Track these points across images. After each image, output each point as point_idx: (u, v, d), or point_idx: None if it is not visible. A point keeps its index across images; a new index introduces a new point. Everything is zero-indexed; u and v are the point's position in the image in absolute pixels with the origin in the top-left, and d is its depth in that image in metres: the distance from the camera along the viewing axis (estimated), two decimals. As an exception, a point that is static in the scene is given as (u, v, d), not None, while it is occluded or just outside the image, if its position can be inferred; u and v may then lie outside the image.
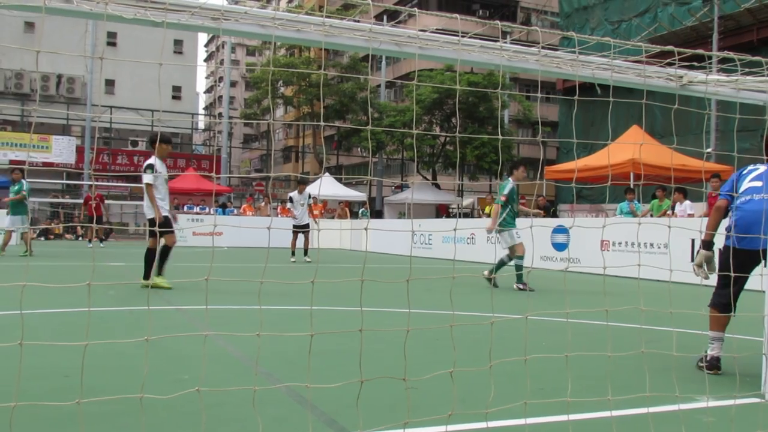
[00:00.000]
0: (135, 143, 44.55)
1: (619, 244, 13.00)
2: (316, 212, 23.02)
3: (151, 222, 8.56)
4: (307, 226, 15.61)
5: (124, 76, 44.68)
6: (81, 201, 26.29)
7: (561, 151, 34.40)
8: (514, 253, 9.84)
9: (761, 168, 4.54)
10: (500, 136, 3.78)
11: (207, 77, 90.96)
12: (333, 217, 28.34)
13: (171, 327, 5.56)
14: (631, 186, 15.96)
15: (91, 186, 26.87)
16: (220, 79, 76.41)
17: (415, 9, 3.30)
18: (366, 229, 2.99)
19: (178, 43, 48.50)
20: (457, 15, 3.37)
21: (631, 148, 16.21)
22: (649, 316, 6.81)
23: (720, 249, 4.46)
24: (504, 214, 9.77)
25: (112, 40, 44.14)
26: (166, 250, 8.72)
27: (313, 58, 44.73)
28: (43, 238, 26.25)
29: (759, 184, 4.44)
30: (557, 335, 5.78)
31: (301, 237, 15.62)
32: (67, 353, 4.26)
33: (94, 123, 35.79)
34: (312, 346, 2.85)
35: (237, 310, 6.73)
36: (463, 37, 3.31)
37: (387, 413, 3.28)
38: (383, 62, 39.00)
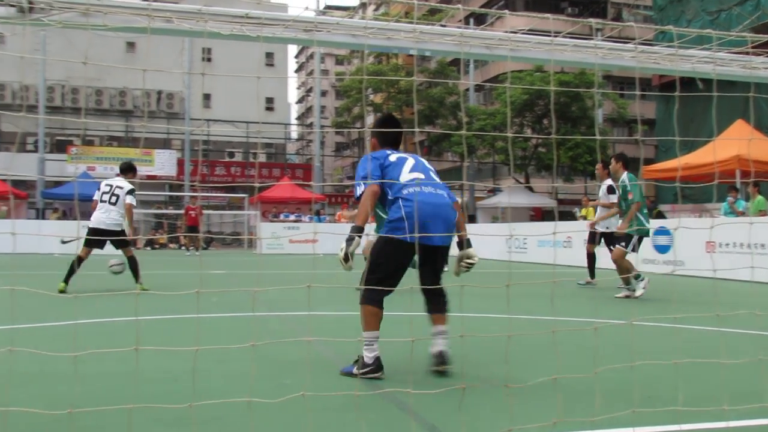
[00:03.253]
0: (231, 154, 45.93)
1: (727, 245, 12.44)
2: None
3: (124, 234, 9.33)
4: None
5: (220, 90, 46.10)
6: (183, 212, 27.28)
7: (659, 149, 33.26)
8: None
9: (410, 158, 4.26)
10: (597, 136, 3.69)
11: (298, 88, 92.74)
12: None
13: (272, 333, 5.68)
14: (737, 184, 15.27)
15: (192, 197, 27.85)
16: (311, 89, 77.82)
17: (505, 11, 3.27)
18: (464, 234, 2.97)
19: (269, 55, 49.72)
20: (548, 15, 3.31)
21: (736, 143, 15.52)
22: (766, 321, 6.48)
23: (381, 241, 4.11)
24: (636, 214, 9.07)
25: (207, 55, 45.64)
26: (79, 261, 9.10)
27: (401, 65, 44.98)
28: (149, 248, 27.38)
29: (422, 175, 4.19)
30: (664, 341, 5.58)
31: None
32: (174, 357, 4.41)
33: (193, 136, 37.09)
34: (413, 351, 2.86)
35: (336, 317, 6.82)
36: (554, 36, 3.26)
37: (489, 420, 3.24)
38: (471, 66, 38.79)
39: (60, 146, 39.98)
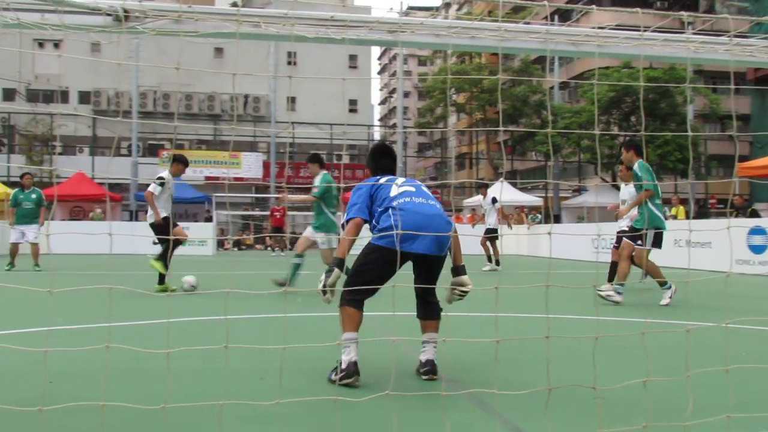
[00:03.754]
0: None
1: (828, 244, 11.84)
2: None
3: (153, 226, 9.30)
4: (491, 231, 15.21)
5: (304, 93, 46.87)
6: (268, 213, 27.93)
7: (754, 146, 31.91)
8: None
9: (399, 178, 4.18)
10: (689, 132, 3.58)
11: (381, 89, 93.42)
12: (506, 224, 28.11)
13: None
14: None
15: (277, 198, 28.49)
16: (394, 90, 78.19)
17: (593, 6, 3.21)
18: (549, 233, 2.94)
19: (352, 58, 50.22)
20: (638, 9, 3.23)
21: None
22: None
23: (368, 247, 3.95)
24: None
25: (293, 59, 46.48)
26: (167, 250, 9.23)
27: (484, 64, 44.66)
28: (236, 249, 28.11)
29: (412, 188, 4.08)
30: (759, 345, 5.36)
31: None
32: (261, 356, 4.51)
33: (279, 139, 37.86)
34: (497, 353, 2.84)
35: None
36: (644, 31, 3.18)
37: (576, 423, 3.19)
38: (556, 63, 38.18)
39: (152, 150, 41.55)
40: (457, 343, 4.87)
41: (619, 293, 8.08)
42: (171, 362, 3.32)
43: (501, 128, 3.37)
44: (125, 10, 2.84)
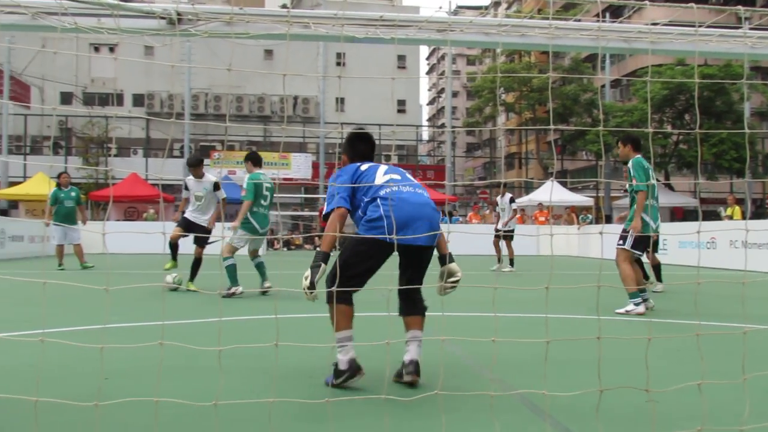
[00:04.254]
0: (364, 157, 46.76)
1: None
2: (542, 218, 22.59)
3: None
4: (508, 232, 15.13)
5: (353, 94, 47.04)
6: (317, 213, 28.13)
7: (815, 143, 30.87)
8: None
9: (382, 165, 3.97)
10: (746, 130, 3.49)
11: (429, 89, 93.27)
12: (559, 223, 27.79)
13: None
14: None
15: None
16: (442, 90, 77.96)
17: (646, 2, 3.15)
18: (601, 233, 2.90)
19: (401, 58, 50.23)
20: (693, 4, 3.17)
21: None
22: None
23: (355, 240, 3.74)
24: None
25: (342, 60, 46.71)
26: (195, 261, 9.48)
27: (533, 63, 44.24)
28: (286, 249, 28.40)
29: (398, 176, 3.89)
30: (821, 348, 5.19)
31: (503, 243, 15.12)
32: (309, 354, 4.54)
33: (328, 139, 38.08)
34: (547, 353, 2.81)
35: (469, 317, 6.79)
36: (699, 27, 3.11)
37: (628, 426, 3.13)
38: (607, 61, 37.58)
39: (203, 151, 42.18)
40: (506, 344, 4.83)
41: (637, 304, 7.28)
42: (222, 360, 3.38)
43: (551, 127, 3.31)
44: (179, 13, 2.90)
